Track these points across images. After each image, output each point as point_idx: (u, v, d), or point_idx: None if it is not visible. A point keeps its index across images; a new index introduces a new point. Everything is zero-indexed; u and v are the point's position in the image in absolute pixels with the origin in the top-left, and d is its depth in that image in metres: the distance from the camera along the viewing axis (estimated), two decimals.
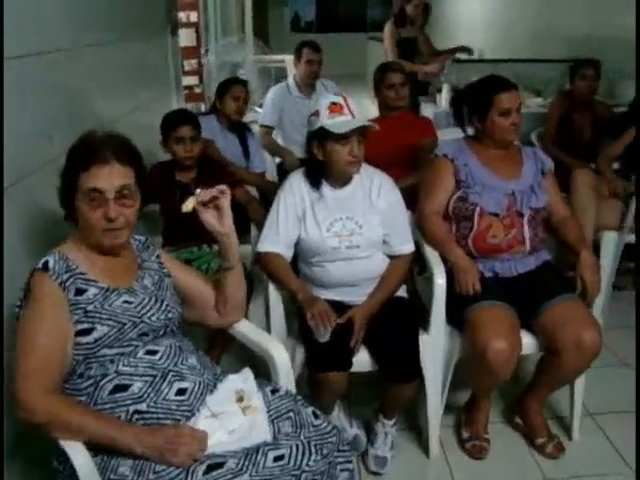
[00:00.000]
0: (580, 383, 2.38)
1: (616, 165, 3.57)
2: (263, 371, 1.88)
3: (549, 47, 6.49)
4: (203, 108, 4.78)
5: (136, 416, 1.53)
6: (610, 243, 3.16)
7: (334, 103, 2.11)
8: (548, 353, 2.21)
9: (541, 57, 5.84)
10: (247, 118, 3.70)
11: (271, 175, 3.72)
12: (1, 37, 1.79)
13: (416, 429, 2.49)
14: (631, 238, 3.27)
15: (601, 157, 3.56)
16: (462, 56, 5.56)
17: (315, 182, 2.23)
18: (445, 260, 2.28)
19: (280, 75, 8.07)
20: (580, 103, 4.02)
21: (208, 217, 1.72)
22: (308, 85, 4.13)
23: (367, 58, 10.09)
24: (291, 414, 1.65)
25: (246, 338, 1.92)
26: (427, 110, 4.62)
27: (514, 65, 5.32)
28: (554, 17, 6.68)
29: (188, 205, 1.69)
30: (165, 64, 4.25)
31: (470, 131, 2.53)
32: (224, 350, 2.59)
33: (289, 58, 6.02)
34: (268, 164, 3.72)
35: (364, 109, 7.64)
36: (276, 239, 2.21)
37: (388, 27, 5.14)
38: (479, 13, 9.21)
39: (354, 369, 2.10)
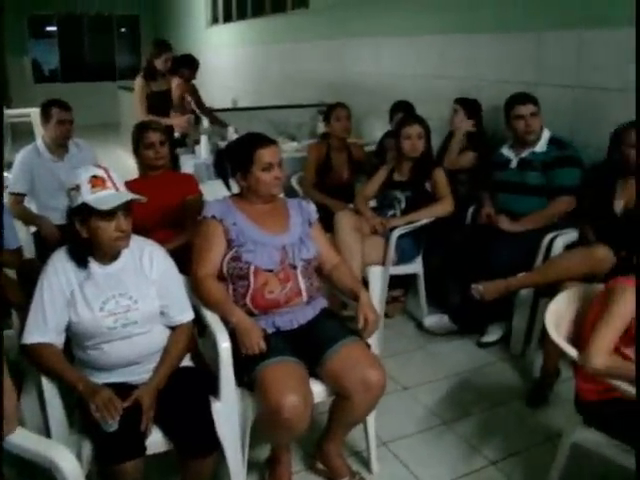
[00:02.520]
0: (371, 416, 2.47)
1: (373, 203, 3.83)
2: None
3: (299, 92, 6.86)
4: None
5: None
6: (377, 277, 3.40)
7: (95, 176, 2.01)
8: (338, 397, 2.27)
9: (292, 102, 6.15)
10: None
11: (28, 249, 3.41)
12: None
13: None
14: (394, 270, 3.53)
15: (358, 197, 3.80)
16: (217, 106, 5.66)
17: (81, 261, 2.09)
18: (226, 322, 2.25)
19: (27, 130, 7.56)
20: (337, 144, 4.28)
21: None
22: (60, 146, 3.87)
23: (119, 107, 9.83)
24: None
25: (23, 450, 1.71)
26: (187, 163, 4.59)
27: (267, 111, 5.53)
28: (301, 65, 7.07)
29: None
30: None
31: (235, 188, 2.55)
32: None
33: (35, 111, 5.65)
34: (23, 236, 3.40)
35: (120, 160, 7.45)
36: (44, 328, 2.03)
37: (138, 81, 5.06)
38: (233, 62, 9.47)
39: (149, 452, 1.98)
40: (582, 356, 1.98)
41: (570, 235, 3.32)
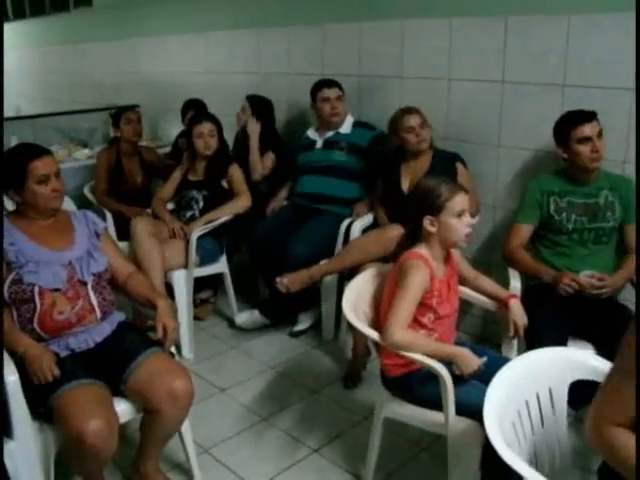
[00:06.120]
0: (186, 425, 2.38)
1: (171, 205, 3.73)
2: None
3: (89, 96, 6.53)
4: None
5: None
6: (181, 281, 3.32)
7: None
8: (147, 412, 2.18)
9: (83, 107, 5.83)
10: None
11: None
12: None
13: None
14: (199, 271, 3.46)
15: (155, 201, 3.67)
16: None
17: None
18: (14, 352, 2.06)
19: None
20: (127, 149, 4.11)
21: None
22: None
23: None
24: None
25: None
26: None
27: (56, 118, 5.21)
28: (89, 67, 6.74)
29: None
30: None
31: (10, 205, 2.35)
32: None
33: None
34: None
35: None
36: None
37: None
38: (14, 66, 8.78)
39: None
40: (382, 334, 2.05)
41: (367, 219, 3.45)
